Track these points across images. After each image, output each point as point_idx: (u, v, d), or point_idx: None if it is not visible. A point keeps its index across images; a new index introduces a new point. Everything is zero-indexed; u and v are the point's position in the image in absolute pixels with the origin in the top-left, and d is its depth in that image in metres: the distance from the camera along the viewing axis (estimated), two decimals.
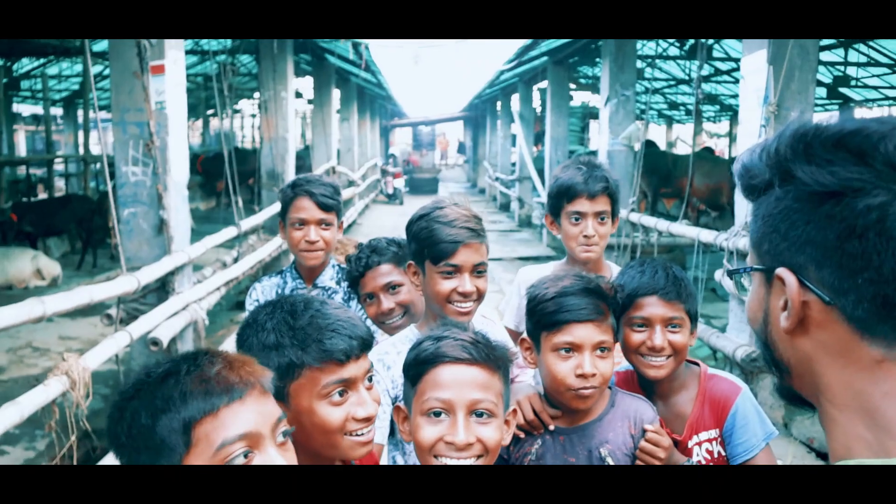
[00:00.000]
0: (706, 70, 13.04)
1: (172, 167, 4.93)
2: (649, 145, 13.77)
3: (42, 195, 14.18)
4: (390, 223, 15.18)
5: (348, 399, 1.32)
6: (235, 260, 6.54)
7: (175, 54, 4.94)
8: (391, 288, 2.21)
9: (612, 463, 1.60)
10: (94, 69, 13.26)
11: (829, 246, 0.73)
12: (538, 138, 18.50)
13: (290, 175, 9.46)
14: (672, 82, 16.56)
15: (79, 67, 14.77)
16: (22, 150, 25.62)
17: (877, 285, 0.71)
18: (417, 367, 1.39)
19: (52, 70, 15.72)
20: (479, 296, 1.81)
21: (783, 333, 0.80)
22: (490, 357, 1.38)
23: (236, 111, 27.70)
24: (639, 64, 11.50)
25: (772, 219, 0.79)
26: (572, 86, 16.59)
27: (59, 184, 17.11)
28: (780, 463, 4.37)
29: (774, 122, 4.68)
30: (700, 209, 13.51)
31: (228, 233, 6.19)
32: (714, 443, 1.81)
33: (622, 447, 1.63)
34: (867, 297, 0.72)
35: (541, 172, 13.63)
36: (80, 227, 10.90)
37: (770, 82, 4.69)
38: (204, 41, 13.54)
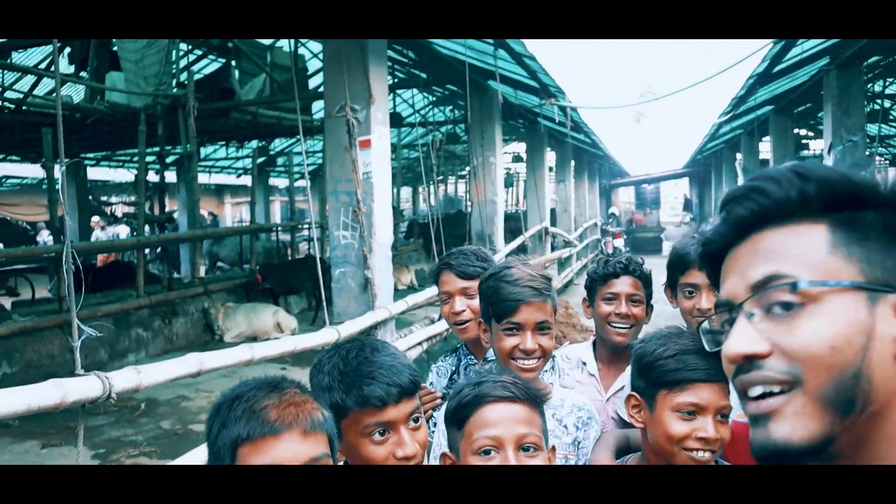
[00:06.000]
0: None
1: (377, 231, 5.41)
2: None
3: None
4: None
5: (389, 439, 1.43)
6: (441, 317, 6.89)
7: (381, 129, 5.46)
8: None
9: None
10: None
11: None
12: None
13: (499, 236, 9.81)
14: None
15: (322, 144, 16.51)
16: (277, 219, 28.90)
17: None
18: (462, 411, 1.44)
19: (299, 147, 17.77)
20: (544, 353, 1.82)
21: (891, 361, 0.75)
22: (529, 395, 1.43)
23: (461, 177, 29.14)
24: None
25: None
26: (806, 132, 15.50)
27: (304, 247, 19.08)
28: None
29: None
30: None
31: (431, 291, 6.57)
32: None
33: None
34: None
35: None
36: (314, 285, 12.05)
37: None
38: (430, 115, 14.56)
